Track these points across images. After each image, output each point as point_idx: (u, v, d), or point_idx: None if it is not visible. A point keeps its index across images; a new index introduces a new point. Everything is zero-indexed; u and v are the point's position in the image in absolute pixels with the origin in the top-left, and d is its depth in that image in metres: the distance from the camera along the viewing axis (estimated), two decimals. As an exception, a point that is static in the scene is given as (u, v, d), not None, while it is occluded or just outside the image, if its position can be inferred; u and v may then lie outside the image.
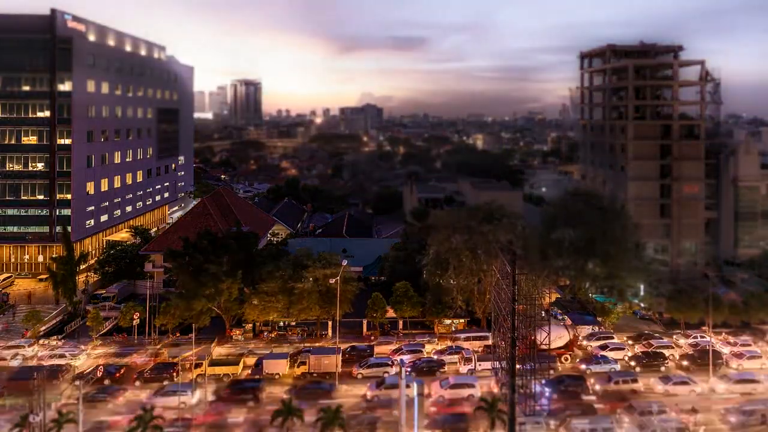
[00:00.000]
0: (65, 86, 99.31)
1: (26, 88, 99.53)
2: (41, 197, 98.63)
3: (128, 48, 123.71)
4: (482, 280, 73.59)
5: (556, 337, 65.84)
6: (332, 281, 69.97)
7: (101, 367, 62.86)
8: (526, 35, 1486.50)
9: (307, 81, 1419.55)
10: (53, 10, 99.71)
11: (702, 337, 71.98)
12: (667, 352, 67.91)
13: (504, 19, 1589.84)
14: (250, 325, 74.72)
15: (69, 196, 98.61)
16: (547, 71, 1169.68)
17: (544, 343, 59.04)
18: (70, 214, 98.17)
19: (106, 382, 60.48)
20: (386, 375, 61.23)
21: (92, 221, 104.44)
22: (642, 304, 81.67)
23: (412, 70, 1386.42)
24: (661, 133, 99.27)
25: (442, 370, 63.89)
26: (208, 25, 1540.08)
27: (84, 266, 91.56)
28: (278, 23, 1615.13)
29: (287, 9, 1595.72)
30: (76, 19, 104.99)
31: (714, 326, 70.09)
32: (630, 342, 71.78)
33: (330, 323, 74.68)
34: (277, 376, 62.46)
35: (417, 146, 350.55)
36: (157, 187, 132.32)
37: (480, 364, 63.89)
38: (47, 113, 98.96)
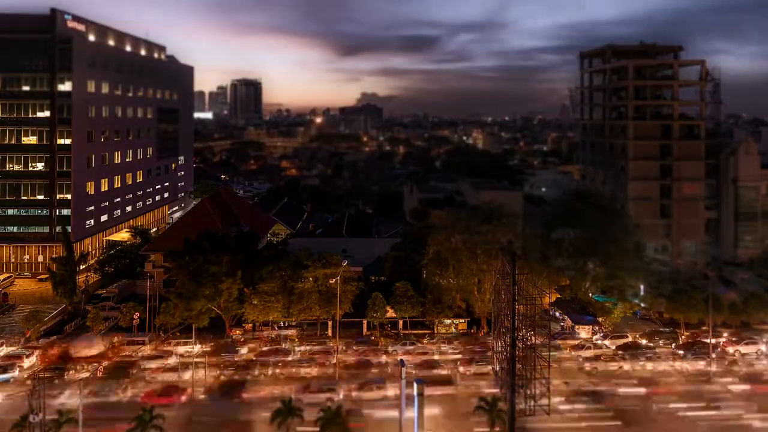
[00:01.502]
0: (65, 86, 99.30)
1: (26, 88, 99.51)
2: (41, 197, 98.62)
3: (128, 48, 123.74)
4: (482, 280, 73.59)
5: (86, 346, 67.45)
6: (332, 281, 70.10)
7: (101, 367, 63.06)
8: (536, 34, 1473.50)
9: (309, 81, 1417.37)
10: (53, 10, 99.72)
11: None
12: None
13: (515, 18, 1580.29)
14: (250, 325, 74.80)
15: (69, 196, 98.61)
16: (553, 71, 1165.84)
17: (74, 352, 65.42)
18: (70, 214, 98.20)
19: None
20: None
21: (92, 221, 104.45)
22: (642, 304, 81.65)
23: (418, 71, 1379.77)
24: (661, 133, 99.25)
25: None
26: (208, 25, 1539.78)
27: (84, 266, 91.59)
28: (281, 23, 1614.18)
29: (291, 9, 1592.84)
30: (76, 19, 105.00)
31: (714, 326, 70.14)
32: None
33: (330, 323, 74.72)
34: None
35: (417, 146, 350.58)
36: (157, 187, 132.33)
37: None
38: (47, 113, 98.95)
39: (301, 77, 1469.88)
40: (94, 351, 67.19)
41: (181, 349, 68.73)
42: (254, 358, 67.03)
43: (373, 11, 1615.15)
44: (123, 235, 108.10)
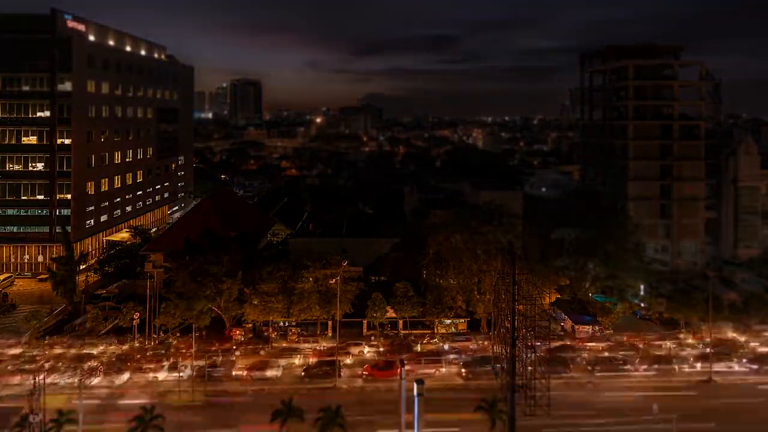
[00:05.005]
0: (65, 86, 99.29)
1: (26, 88, 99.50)
2: (41, 197, 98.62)
3: (128, 48, 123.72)
4: (482, 281, 73.58)
5: None
6: (332, 281, 70.08)
7: (100, 366, 63.15)
8: (557, 34, 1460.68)
9: (315, 81, 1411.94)
10: (53, 10, 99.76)
11: None
12: None
13: (542, 16, 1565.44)
14: (250, 325, 74.77)
15: (69, 196, 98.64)
16: (561, 71, 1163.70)
17: None
18: (70, 214, 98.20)
19: None
20: None
21: (92, 221, 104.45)
22: (642, 304, 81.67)
23: (427, 71, 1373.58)
24: (661, 133, 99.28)
25: None
26: (208, 25, 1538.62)
27: (84, 266, 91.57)
28: (288, 23, 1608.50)
29: (304, 8, 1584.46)
30: (76, 19, 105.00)
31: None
32: None
33: (330, 323, 74.72)
34: None
35: (417, 146, 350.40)
36: (157, 187, 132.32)
37: None
38: (47, 113, 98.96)
39: (308, 77, 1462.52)
40: None
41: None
42: None
43: (392, 9, 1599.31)
44: (123, 235, 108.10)
